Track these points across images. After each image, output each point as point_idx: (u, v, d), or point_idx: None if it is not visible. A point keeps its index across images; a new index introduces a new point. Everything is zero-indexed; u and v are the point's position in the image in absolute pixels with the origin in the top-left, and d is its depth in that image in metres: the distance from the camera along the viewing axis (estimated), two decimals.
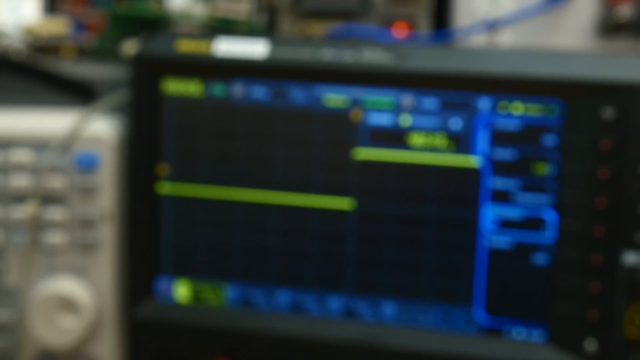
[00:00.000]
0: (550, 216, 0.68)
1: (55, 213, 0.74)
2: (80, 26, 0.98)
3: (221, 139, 0.73)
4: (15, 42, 0.95)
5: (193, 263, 0.75)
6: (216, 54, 0.72)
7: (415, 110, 0.69)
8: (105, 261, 0.75)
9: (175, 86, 0.73)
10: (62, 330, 0.74)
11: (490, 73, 0.67)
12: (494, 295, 0.69)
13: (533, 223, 0.68)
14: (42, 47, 0.94)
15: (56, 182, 0.73)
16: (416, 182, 0.70)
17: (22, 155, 0.73)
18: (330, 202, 0.71)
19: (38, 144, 0.73)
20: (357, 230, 0.71)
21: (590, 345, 0.67)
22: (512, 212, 0.68)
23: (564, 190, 0.67)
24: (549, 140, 0.67)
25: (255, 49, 0.71)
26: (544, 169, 0.67)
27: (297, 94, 0.71)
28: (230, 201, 0.73)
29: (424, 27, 0.85)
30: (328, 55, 0.70)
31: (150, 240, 0.75)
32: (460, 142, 0.69)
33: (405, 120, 0.70)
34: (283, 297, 0.73)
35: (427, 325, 0.71)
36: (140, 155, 0.73)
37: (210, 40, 0.72)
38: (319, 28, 0.84)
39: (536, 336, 0.69)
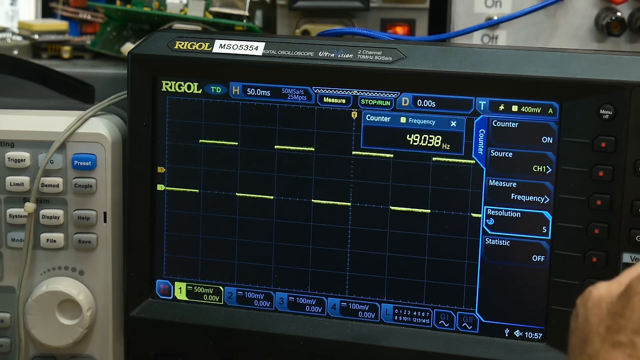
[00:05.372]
0: (548, 215, 0.68)
1: (53, 213, 0.74)
2: (75, 27, 0.98)
3: (219, 137, 0.73)
4: (14, 42, 0.95)
5: (192, 263, 0.75)
6: (214, 54, 0.71)
7: (413, 110, 0.69)
8: (104, 261, 0.75)
9: (173, 85, 0.73)
10: (61, 330, 0.74)
11: (488, 73, 0.67)
12: (492, 294, 0.69)
13: (531, 222, 0.68)
14: (41, 46, 0.94)
15: (54, 182, 0.73)
16: (414, 182, 0.70)
17: (20, 155, 0.73)
18: (328, 201, 0.71)
19: (36, 144, 0.73)
20: (354, 229, 0.71)
21: None
22: (509, 212, 0.68)
23: (561, 189, 0.67)
24: (547, 139, 0.67)
25: (252, 48, 0.71)
26: (542, 169, 0.67)
27: (295, 93, 0.71)
28: (229, 201, 0.73)
29: (423, 28, 0.85)
30: (326, 55, 0.70)
31: (149, 240, 0.74)
32: (458, 142, 0.69)
33: (404, 120, 0.70)
34: (282, 296, 0.73)
35: (424, 324, 0.71)
36: (138, 155, 0.73)
37: (208, 40, 0.72)
38: (317, 28, 0.84)
39: (534, 335, 0.69)
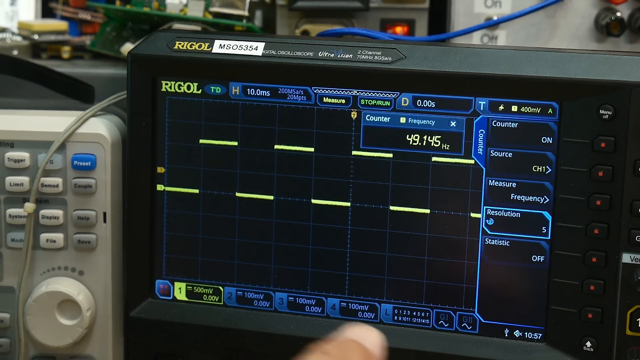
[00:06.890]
0: (547, 215, 0.68)
1: (53, 213, 0.74)
2: (75, 27, 0.98)
3: (219, 138, 0.73)
4: (14, 42, 0.95)
5: (192, 263, 0.75)
6: (213, 54, 0.71)
7: (413, 111, 0.69)
8: (104, 261, 0.75)
9: (173, 85, 0.73)
10: (61, 330, 0.74)
11: (488, 74, 0.67)
12: (491, 294, 0.69)
13: (530, 222, 0.68)
14: (41, 46, 0.94)
15: (54, 182, 0.73)
16: (414, 182, 0.70)
17: (20, 156, 0.73)
18: (328, 201, 0.71)
19: (36, 144, 0.73)
20: (354, 229, 0.71)
21: (588, 344, 0.67)
22: (509, 212, 0.68)
23: (561, 189, 0.67)
24: (547, 139, 0.67)
25: (252, 48, 0.71)
26: (542, 169, 0.67)
27: (295, 93, 0.71)
28: (229, 201, 0.73)
29: (423, 28, 0.85)
30: (326, 55, 0.70)
31: (149, 240, 0.74)
32: (458, 142, 0.69)
33: (403, 120, 0.70)
34: (281, 297, 0.73)
35: (424, 324, 0.71)
36: (138, 155, 0.73)
37: (208, 40, 0.72)
38: (316, 28, 0.84)
39: (534, 335, 0.69)
